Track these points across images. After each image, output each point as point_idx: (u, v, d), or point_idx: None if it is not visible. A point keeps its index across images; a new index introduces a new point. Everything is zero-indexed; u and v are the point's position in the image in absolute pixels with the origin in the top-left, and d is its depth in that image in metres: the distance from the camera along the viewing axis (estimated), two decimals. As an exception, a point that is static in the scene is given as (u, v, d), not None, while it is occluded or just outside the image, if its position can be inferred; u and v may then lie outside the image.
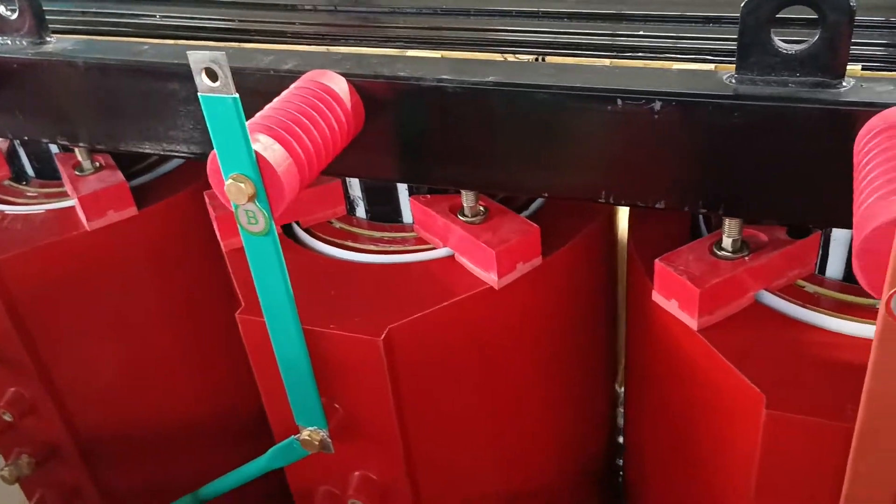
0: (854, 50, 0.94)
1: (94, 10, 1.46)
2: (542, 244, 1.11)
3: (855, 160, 0.79)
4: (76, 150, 1.35)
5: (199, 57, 0.81)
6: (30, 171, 1.50)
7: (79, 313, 1.39)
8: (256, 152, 0.86)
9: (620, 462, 1.64)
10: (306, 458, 1.21)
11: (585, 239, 1.16)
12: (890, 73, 0.89)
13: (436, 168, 1.04)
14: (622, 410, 1.54)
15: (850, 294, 0.98)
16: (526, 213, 1.19)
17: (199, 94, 0.83)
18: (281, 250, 0.94)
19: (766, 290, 1.01)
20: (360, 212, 1.25)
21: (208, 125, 0.86)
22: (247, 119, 0.85)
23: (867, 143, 0.78)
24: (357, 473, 1.20)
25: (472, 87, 0.95)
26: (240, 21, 1.32)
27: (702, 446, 1.03)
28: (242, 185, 0.87)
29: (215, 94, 0.83)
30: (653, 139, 0.90)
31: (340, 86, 0.98)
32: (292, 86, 0.98)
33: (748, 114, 0.85)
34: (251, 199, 0.89)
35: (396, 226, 1.23)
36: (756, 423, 0.88)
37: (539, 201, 1.23)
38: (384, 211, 1.23)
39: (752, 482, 0.92)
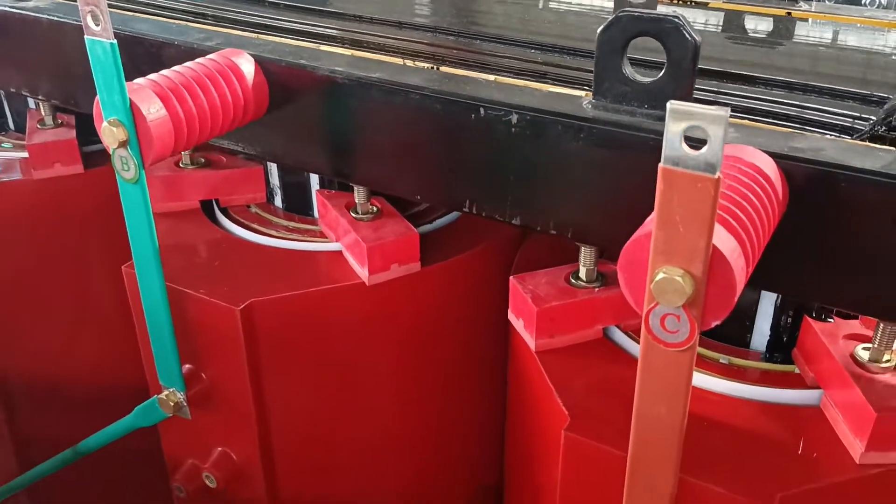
0: (728, 100, 0.95)
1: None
2: (431, 253, 1.13)
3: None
4: (41, 105, 1.44)
5: (83, 1, 0.87)
6: (10, 123, 1.60)
7: (17, 257, 1.46)
8: (131, 100, 0.91)
9: None
10: (177, 430, 1.23)
11: (475, 257, 1.17)
12: (739, 119, 0.89)
13: (323, 156, 1.07)
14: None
15: (705, 346, 0.96)
16: (434, 224, 1.21)
17: (84, 36, 0.90)
18: (149, 200, 0.98)
19: (618, 327, 1.00)
20: (278, 201, 1.29)
21: (92, 68, 0.91)
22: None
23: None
24: (218, 449, 1.21)
25: (357, 81, 0.99)
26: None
27: (531, 463, 1.01)
28: (115, 129, 0.92)
29: (97, 37, 0.89)
30: (510, 153, 0.92)
31: (245, 64, 1.03)
32: (201, 58, 1.03)
33: (594, 136, 0.86)
34: (123, 144, 0.93)
35: (308, 219, 1.26)
36: (558, 444, 0.87)
37: (453, 216, 1.25)
38: (296, 202, 1.27)
39: (556, 500, 0.90)
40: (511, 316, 1.02)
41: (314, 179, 1.23)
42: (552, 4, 1.39)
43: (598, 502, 0.87)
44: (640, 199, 0.87)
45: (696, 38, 0.81)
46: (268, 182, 1.29)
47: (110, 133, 0.93)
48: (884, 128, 0.87)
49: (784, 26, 1.24)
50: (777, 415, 0.87)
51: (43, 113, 1.44)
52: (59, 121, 1.45)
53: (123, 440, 1.34)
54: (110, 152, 0.96)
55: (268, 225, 1.25)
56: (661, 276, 0.64)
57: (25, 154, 1.48)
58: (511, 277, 1.01)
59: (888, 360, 0.84)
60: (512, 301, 1.01)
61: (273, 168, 1.28)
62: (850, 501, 0.80)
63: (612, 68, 0.86)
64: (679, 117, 0.59)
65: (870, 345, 0.86)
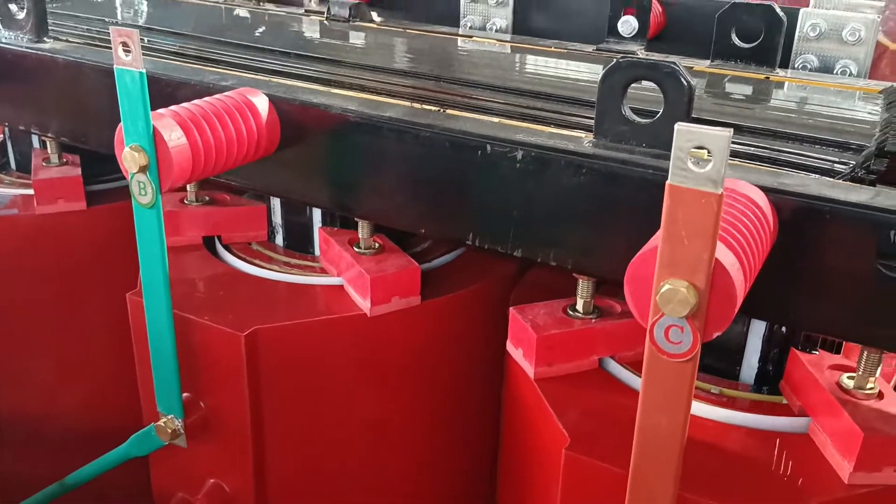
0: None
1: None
2: (431, 289, 1.16)
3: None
4: (48, 144, 1.47)
5: (116, 31, 0.92)
6: (12, 163, 1.62)
7: (14, 291, 1.46)
8: (154, 127, 0.95)
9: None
10: (168, 462, 1.23)
11: (473, 295, 1.21)
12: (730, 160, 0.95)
13: (332, 192, 1.11)
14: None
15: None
16: (433, 263, 1.25)
17: (114, 66, 0.94)
18: (163, 226, 1.01)
19: (613, 359, 1.03)
20: (279, 239, 1.33)
21: (119, 96, 0.96)
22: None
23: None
24: (211, 481, 1.20)
25: (369, 120, 1.04)
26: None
27: (531, 488, 1.03)
28: (137, 154, 0.96)
29: (127, 67, 0.93)
30: (514, 188, 0.97)
31: (260, 101, 1.08)
32: (218, 94, 1.08)
33: (595, 171, 0.91)
34: (143, 169, 0.97)
35: (308, 256, 1.29)
36: (558, 464, 0.89)
37: (450, 256, 1.29)
38: (298, 240, 1.30)
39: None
40: (510, 346, 1.05)
41: (316, 217, 1.27)
42: (541, 60, 1.47)
43: (596, 523, 0.89)
44: (638, 230, 0.92)
45: (692, 81, 0.87)
46: (270, 220, 1.33)
47: (131, 158, 0.96)
48: (863, 171, 0.93)
49: (763, 88, 1.33)
50: (768, 440, 0.90)
51: (49, 151, 1.47)
52: (65, 160, 1.48)
53: (104, 477, 1.32)
54: (129, 178, 1.00)
55: (269, 261, 1.28)
56: (666, 287, 0.68)
57: (28, 191, 1.50)
58: (511, 308, 1.04)
59: (871, 388, 0.88)
60: (511, 331, 1.04)
61: (276, 206, 1.31)
62: (840, 520, 0.83)
63: (613, 109, 0.92)
64: (686, 136, 0.65)
65: (853, 374, 0.90)
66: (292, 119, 1.09)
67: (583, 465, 0.87)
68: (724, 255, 0.68)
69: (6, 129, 1.60)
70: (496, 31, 1.75)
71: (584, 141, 0.95)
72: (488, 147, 0.97)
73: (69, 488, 1.33)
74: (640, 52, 1.53)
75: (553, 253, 0.97)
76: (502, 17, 1.76)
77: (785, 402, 0.96)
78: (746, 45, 1.40)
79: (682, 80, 0.87)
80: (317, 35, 1.65)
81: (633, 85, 0.91)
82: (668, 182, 0.67)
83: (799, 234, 0.81)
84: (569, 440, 0.88)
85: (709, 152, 0.64)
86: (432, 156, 1.01)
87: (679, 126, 0.65)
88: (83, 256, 1.48)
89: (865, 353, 0.88)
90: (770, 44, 1.38)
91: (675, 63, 0.87)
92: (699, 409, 0.95)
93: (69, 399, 1.59)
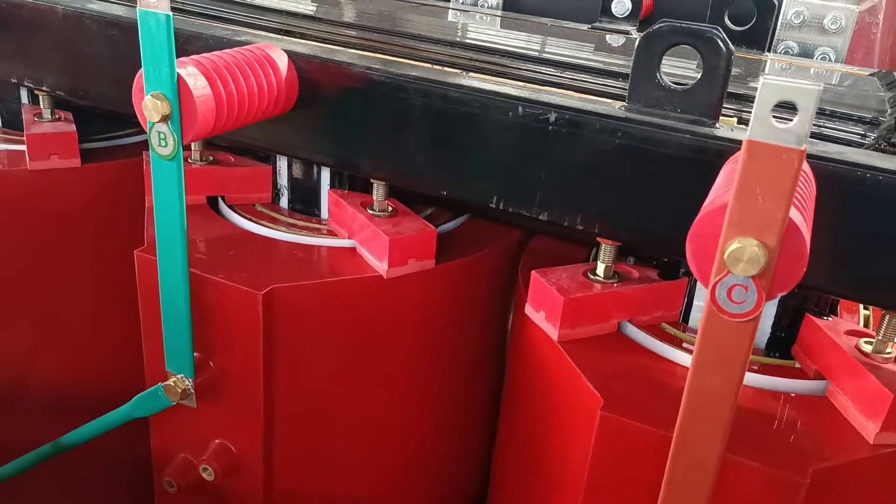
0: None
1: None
2: (442, 253, 1.09)
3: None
4: (41, 99, 1.34)
5: (143, -30, 0.81)
6: (-2, 119, 1.48)
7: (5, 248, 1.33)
8: (179, 75, 0.85)
9: None
10: (171, 423, 1.13)
11: (483, 260, 1.14)
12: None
13: (351, 152, 1.03)
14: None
15: (706, 341, 0.96)
16: (440, 229, 1.17)
17: (137, 7, 0.83)
18: (183, 178, 0.91)
19: (631, 323, 0.98)
20: (284, 201, 1.23)
21: (141, 40, 0.85)
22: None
23: (723, 171, 0.78)
24: (216, 441, 1.11)
25: (394, 78, 0.96)
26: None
27: (549, 452, 0.97)
28: (159, 102, 0.86)
29: (151, 9, 0.83)
30: (544, 150, 0.90)
31: (280, 57, 0.99)
32: (238, 48, 0.98)
33: (629, 136, 0.85)
34: (165, 119, 0.87)
35: (314, 219, 1.20)
36: (591, 424, 0.83)
37: (458, 221, 1.22)
38: (304, 202, 1.21)
39: (583, 483, 0.86)
40: (529, 310, 0.99)
41: (325, 179, 1.18)
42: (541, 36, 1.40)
43: (628, 482, 0.84)
44: (667, 195, 0.87)
45: (731, 47, 0.82)
46: (275, 182, 1.23)
47: (153, 106, 0.86)
48: (885, 143, 0.90)
49: (763, 68, 1.29)
50: (787, 402, 0.87)
51: (42, 106, 1.34)
52: (57, 115, 1.35)
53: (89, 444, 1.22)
54: (147, 128, 0.89)
55: (275, 222, 1.18)
56: (735, 245, 0.63)
57: (15, 147, 1.37)
58: (533, 272, 0.98)
59: (890, 352, 0.85)
60: (532, 294, 0.98)
61: (282, 168, 1.22)
62: (867, 477, 0.80)
63: (648, 75, 0.86)
64: (772, 91, 0.59)
65: (870, 339, 0.87)
66: (312, 77, 1.00)
67: (618, 425, 0.82)
68: (794, 214, 0.63)
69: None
70: (488, 7, 1.68)
71: (615, 106, 0.89)
72: (520, 108, 0.90)
73: (63, 449, 1.22)
74: (633, 31, 1.48)
75: (581, 217, 0.92)
76: (493, -5, 1.69)
77: (797, 365, 0.93)
78: (738, 28, 1.36)
79: (723, 45, 0.82)
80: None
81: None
82: (746, 138, 0.61)
83: (836, 200, 0.77)
84: (602, 401, 0.83)
85: (795, 107, 0.59)
86: (459, 116, 0.94)
87: (766, 79, 0.59)
88: (74, 216, 1.36)
89: (888, 317, 0.85)
90: (761, 28, 1.35)
91: (717, 28, 0.82)
92: (718, 371, 0.91)
93: (49, 362, 1.46)
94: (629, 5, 1.46)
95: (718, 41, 0.82)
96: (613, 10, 1.48)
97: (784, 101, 0.59)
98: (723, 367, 0.69)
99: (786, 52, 1.45)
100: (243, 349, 1.02)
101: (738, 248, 0.63)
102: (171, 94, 0.86)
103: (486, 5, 1.68)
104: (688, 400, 0.71)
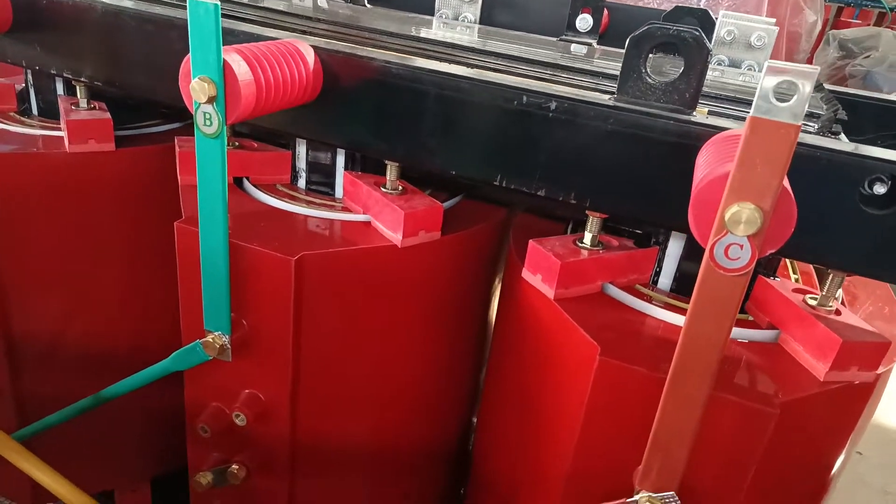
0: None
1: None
2: (445, 227, 1.05)
3: (696, 163, 0.77)
4: (78, 89, 1.23)
5: (194, -38, 0.74)
6: (34, 108, 1.36)
7: (42, 227, 1.23)
8: (225, 60, 0.79)
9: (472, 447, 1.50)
10: (204, 376, 1.06)
11: (478, 233, 1.10)
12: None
13: (370, 137, 0.97)
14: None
15: (677, 299, 0.94)
16: (446, 204, 1.13)
17: (188, -2, 0.76)
18: (226, 154, 0.84)
19: (612, 284, 0.95)
20: (301, 182, 1.16)
21: (189, 27, 0.78)
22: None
23: (705, 150, 0.76)
24: (247, 391, 1.05)
25: (411, 70, 0.90)
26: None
27: (543, 399, 0.94)
28: (206, 85, 0.79)
29: (201, -1, 0.76)
30: (544, 134, 0.87)
31: (307, 51, 0.92)
32: (271, 41, 0.91)
33: (619, 122, 0.82)
34: (211, 100, 0.80)
35: (328, 197, 1.14)
36: (589, 370, 0.81)
37: (454, 201, 1.17)
38: (321, 183, 1.15)
39: (579, 423, 0.83)
40: (526, 274, 0.96)
41: (339, 162, 1.12)
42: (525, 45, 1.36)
43: (621, 420, 0.82)
44: (651, 173, 0.84)
45: (709, 47, 0.80)
46: (294, 165, 1.16)
47: (200, 88, 0.79)
48: (826, 132, 0.89)
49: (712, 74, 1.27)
50: (746, 347, 0.86)
51: (79, 96, 1.23)
52: (93, 105, 1.25)
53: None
54: (193, 109, 0.82)
55: (296, 200, 1.12)
56: (735, 209, 0.61)
57: (53, 133, 1.26)
58: (531, 241, 0.94)
59: (831, 306, 0.85)
60: (530, 259, 0.95)
61: (300, 152, 1.15)
62: (818, 409, 0.80)
63: (636, 70, 0.83)
64: (775, 72, 0.57)
65: (815, 295, 0.87)
66: (335, 69, 0.94)
67: (614, 367, 0.79)
68: (786, 182, 0.61)
69: (29, 75, 1.33)
70: (467, 22, 1.63)
71: (606, 98, 0.86)
72: (524, 98, 0.86)
73: (103, 401, 1.14)
74: (594, 44, 1.46)
75: (574, 193, 0.88)
76: (472, 12, 1.64)
77: (751, 318, 0.92)
78: (683, 42, 1.35)
79: (703, 46, 0.79)
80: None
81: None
82: (750, 115, 0.59)
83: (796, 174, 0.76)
84: (599, 348, 0.80)
85: (794, 88, 0.57)
86: (470, 104, 0.89)
87: (770, 63, 0.57)
88: (108, 193, 1.26)
89: (831, 276, 0.84)
90: (702, 42, 1.33)
91: (697, 30, 0.79)
92: (680, 321, 0.89)
93: (86, 323, 1.36)
94: (591, 22, 1.43)
95: (701, 42, 0.79)
96: (578, 26, 1.44)
97: (779, 85, 0.57)
98: (717, 316, 0.67)
99: (718, 64, 1.45)
100: (275, 309, 0.96)
101: (737, 212, 0.61)
102: (217, 78, 0.79)
103: (465, 20, 1.63)
104: (683, 344, 0.69)
